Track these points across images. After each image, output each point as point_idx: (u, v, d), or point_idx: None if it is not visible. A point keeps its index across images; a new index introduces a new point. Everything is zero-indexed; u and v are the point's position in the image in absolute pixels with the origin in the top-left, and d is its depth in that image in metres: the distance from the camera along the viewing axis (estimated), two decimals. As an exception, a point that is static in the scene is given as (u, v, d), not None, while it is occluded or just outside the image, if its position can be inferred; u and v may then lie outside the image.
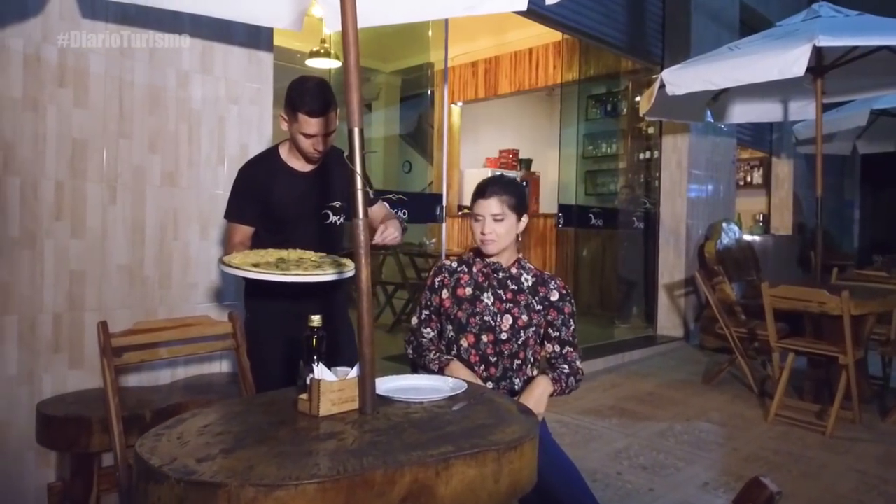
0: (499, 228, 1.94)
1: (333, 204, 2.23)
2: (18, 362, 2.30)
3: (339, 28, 2.53)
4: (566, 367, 1.97)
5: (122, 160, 2.55)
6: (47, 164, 2.35)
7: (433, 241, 5.47)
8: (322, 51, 5.79)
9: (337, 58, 6.18)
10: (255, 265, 1.81)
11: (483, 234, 1.95)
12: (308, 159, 2.13)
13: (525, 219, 2.01)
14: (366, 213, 1.46)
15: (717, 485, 2.87)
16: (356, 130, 1.46)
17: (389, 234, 2.03)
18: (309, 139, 2.03)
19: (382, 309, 6.26)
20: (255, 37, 2.93)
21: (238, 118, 2.89)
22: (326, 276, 1.83)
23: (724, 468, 3.08)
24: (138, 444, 1.23)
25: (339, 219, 2.26)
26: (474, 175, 8.38)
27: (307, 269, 1.83)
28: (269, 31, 2.99)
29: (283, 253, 1.98)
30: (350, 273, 1.84)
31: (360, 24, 2.65)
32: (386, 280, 6.33)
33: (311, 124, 2.00)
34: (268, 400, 1.59)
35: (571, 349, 2.00)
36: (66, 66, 2.39)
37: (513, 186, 2.00)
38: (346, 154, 1.49)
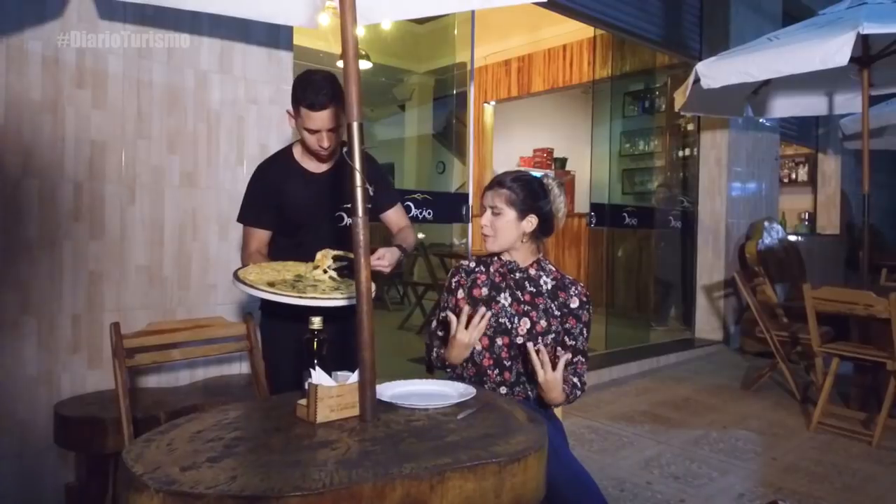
0: (496, 223, 1.88)
1: (348, 206, 2.16)
2: (37, 363, 2.32)
3: (373, 22, 2.49)
4: (575, 378, 1.88)
5: (141, 161, 2.55)
6: (66, 165, 2.37)
7: (463, 241, 5.40)
8: (353, 52, 5.77)
9: (368, 58, 6.17)
10: (271, 283, 1.72)
11: (482, 226, 1.91)
12: (318, 158, 2.06)
13: (533, 219, 1.89)
14: (365, 212, 1.40)
15: (752, 497, 2.73)
16: (355, 125, 1.40)
17: (380, 263, 1.87)
18: (313, 135, 1.96)
19: (412, 310, 6.23)
20: (275, 36, 2.91)
21: (257, 118, 2.88)
22: (338, 301, 1.70)
23: (762, 479, 2.93)
24: (126, 449, 1.20)
25: None
26: (506, 175, 8.29)
27: (324, 291, 1.73)
28: (288, 30, 2.97)
29: (302, 268, 1.89)
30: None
31: (380, 19, 2.60)
32: (417, 281, 6.29)
33: (314, 118, 1.92)
34: (268, 405, 1.55)
35: (583, 359, 1.92)
36: (85, 68, 2.40)
37: (522, 183, 1.89)
38: (345, 150, 1.43)
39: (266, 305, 2.08)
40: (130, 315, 2.49)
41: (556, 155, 8.69)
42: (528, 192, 1.89)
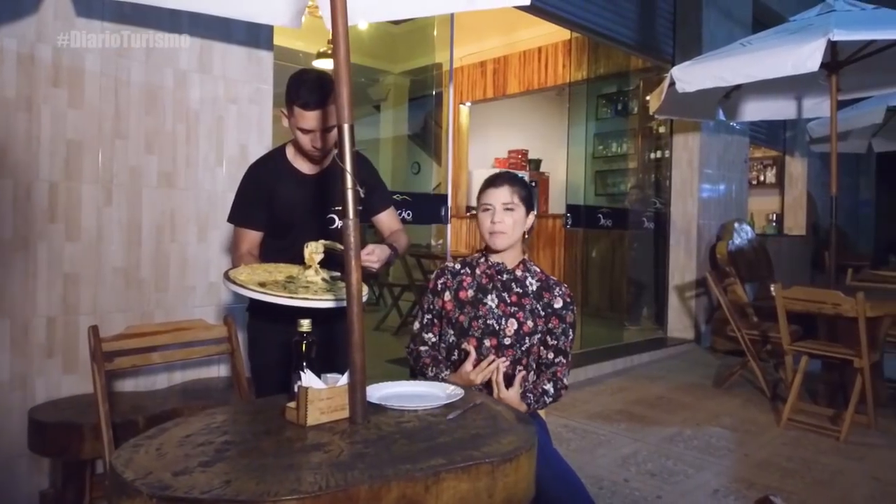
0: (508, 219, 1.89)
1: (339, 209, 2.14)
2: (11, 367, 2.26)
3: (353, 23, 2.49)
4: (550, 386, 1.90)
5: (118, 161, 2.51)
6: (41, 165, 2.32)
7: (440, 242, 5.41)
8: (329, 51, 5.75)
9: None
10: (262, 284, 1.69)
11: (493, 223, 1.90)
12: (311, 159, 2.04)
13: (532, 217, 1.97)
14: (356, 214, 1.40)
15: (727, 492, 2.79)
16: (346, 127, 1.40)
17: (369, 259, 1.83)
18: (306, 135, 1.94)
19: (389, 311, 6.22)
20: (255, 35, 2.88)
21: (237, 118, 2.85)
22: (330, 302, 1.67)
23: (736, 475, 2.99)
24: (114, 455, 1.18)
25: None
26: (483, 176, 8.30)
27: (316, 292, 1.71)
28: (268, 30, 2.94)
29: (294, 270, 1.87)
30: (364, 299, 1.69)
31: (363, 20, 2.59)
32: (393, 282, 6.28)
33: (307, 118, 1.90)
34: (256, 408, 1.54)
35: (564, 361, 1.94)
36: (61, 66, 2.35)
37: (522, 181, 1.98)
38: (335, 153, 1.43)
39: (253, 306, 2.06)
40: (107, 318, 2.45)
41: (530, 156, 8.75)
42: (528, 190, 1.95)
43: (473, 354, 1.84)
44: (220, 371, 2.82)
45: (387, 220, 2.20)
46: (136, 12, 2.49)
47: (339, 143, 1.40)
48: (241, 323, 2.28)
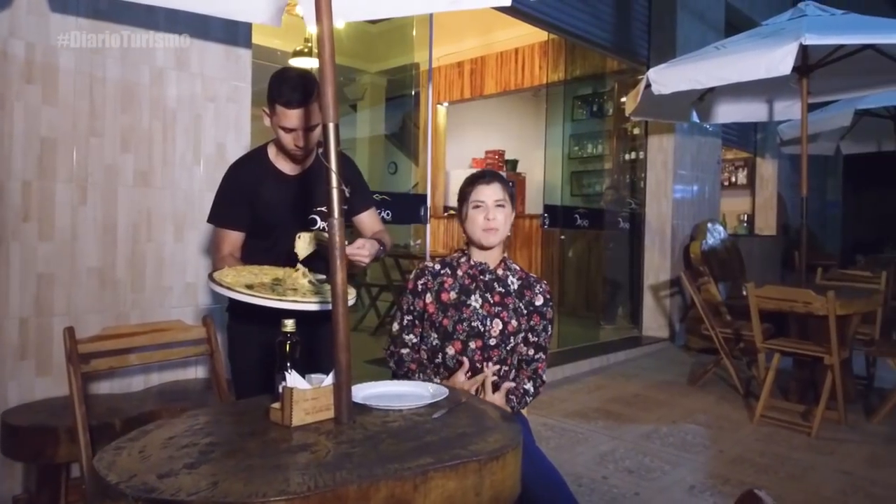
0: (500, 216, 1.91)
1: (322, 209, 2.09)
2: (-18, 369, 2.21)
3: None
4: (530, 385, 1.92)
5: (94, 159, 2.46)
6: (14, 163, 2.27)
7: (418, 242, 5.41)
8: (306, 49, 5.71)
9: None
10: (250, 286, 1.67)
11: (487, 219, 1.90)
12: (293, 158, 2.01)
13: (513, 214, 1.99)
14: (341, 213, 1.40)
15: (703, 488, 2.84)
16: (331, 126, 1.39)
17: (359, 252, 1.81)
18: (289, 133, 1.91)
19: (366, 311, 6.19)
20: (233, 33, 2.85)
21: (215, 116, 2.82)
22: (314, 305, 1.65)
23: (711, 471, 3.05)
24: (97, 458, 1.16)
25: (327, 225, 2.12)
26: (460, 176, 8.31)
27: (305, 294, 1.69)
28: (247, 27, 2.92)
29: (279, 272, 1.84)
30: (350, 302, 1.66)
31: (343, 19, 2.58)
32: (370, 282, 6.26)
33: (290, 116, 1.87)
34: (239, 409, 1.52)
35: (543, 356, 1.97)
36: (34, 62, 2.30)
37: (506, 179, 2.01)
38: (320, 151, 1.42)
39: (234, 308, 2.04)
40: (82, 319, 2.41)
41: (507, 157, 8.79)
42: (510, 188, 1.97)
43: (467, 364, 1.85)
44: (198, 373, 2.78)
45: (368, 220, 2.18)
46: (111, 8, 2.45)
47: (325, 142, 1.40)
48: (220, 323, 2.26)
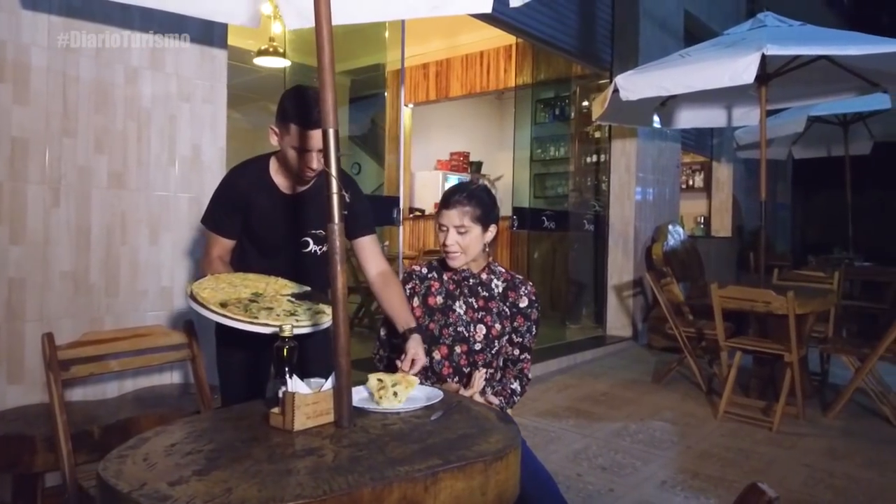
0: (462, 241, 1.89)
1: (316, 232, 2.03)
2: (-49, 377, 2.14)
3: (300, 26, 2.46)
4: (517, 384, 1.95)
5: (66, 160, 2.40)
6: (-17, 164, 2.20)
7: (386, 243, 5.41)
8: (271, 49, 5.64)
9: (286, 56, 6.03)
10: (224, 303, 1.62)
11: (445, 245, 1.90)
12: (298, 179, 1.94)
13: (493, 229, 1.96)
14: (341, 219, 1.41)
15: (674, 483, 2.93)
16: (331, 132, 1.40)
17: (416, 364, 1.74)
18: (301, 155, 1.83)
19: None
20: (209, 33, 2.82)
21: (190, 117, 2.78)
22: (294, 327, 1.52)
23: (680, 466, 3.14)
24: (101, 467, 1.15)
25: (319, 248, 2.03)
26: (425, 177, 8.35)
27: (279, 316, 1.63)
28: (222, 28, 2.88)
29: (262, 285, 1.79)
30: (326, 324, 1.63)
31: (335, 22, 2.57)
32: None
33: (309, 137, 1.80)
34: (235, 414, 1.51)
35: (528, 356, 1.99)
36: (5, 60, 2.23)
37: (479, 197, 1.92)
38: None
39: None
40: (55, 324, 2.34)
41: (472, 158, 8.85)
42: (486, 205, 1.92)
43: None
44: (173, 377, 2.74)
45: (369, 248, 2.07)
46: (85, 6, 2.40)
47: (325, 148, 1.40)
48: (199, 326, 2.23)
